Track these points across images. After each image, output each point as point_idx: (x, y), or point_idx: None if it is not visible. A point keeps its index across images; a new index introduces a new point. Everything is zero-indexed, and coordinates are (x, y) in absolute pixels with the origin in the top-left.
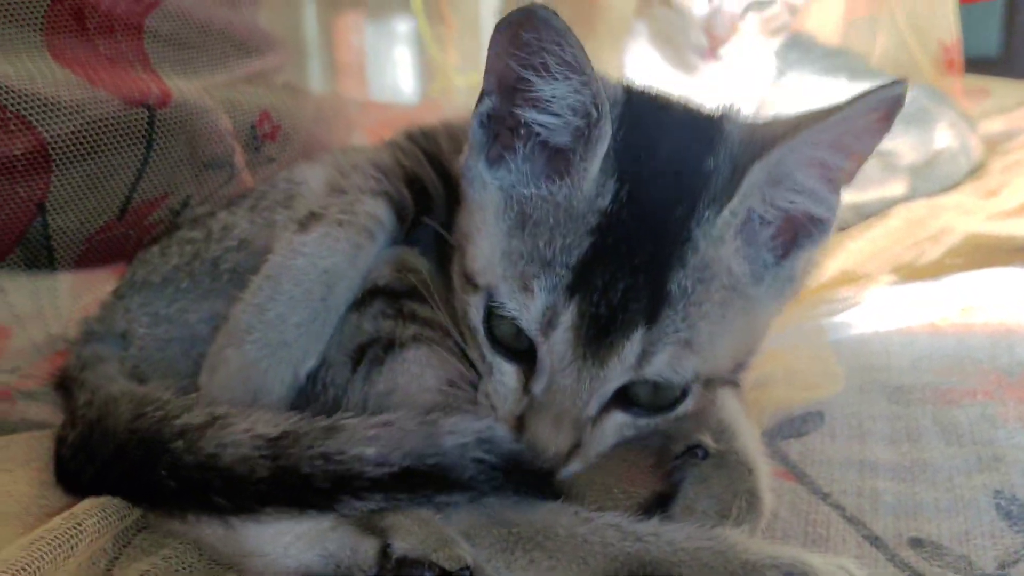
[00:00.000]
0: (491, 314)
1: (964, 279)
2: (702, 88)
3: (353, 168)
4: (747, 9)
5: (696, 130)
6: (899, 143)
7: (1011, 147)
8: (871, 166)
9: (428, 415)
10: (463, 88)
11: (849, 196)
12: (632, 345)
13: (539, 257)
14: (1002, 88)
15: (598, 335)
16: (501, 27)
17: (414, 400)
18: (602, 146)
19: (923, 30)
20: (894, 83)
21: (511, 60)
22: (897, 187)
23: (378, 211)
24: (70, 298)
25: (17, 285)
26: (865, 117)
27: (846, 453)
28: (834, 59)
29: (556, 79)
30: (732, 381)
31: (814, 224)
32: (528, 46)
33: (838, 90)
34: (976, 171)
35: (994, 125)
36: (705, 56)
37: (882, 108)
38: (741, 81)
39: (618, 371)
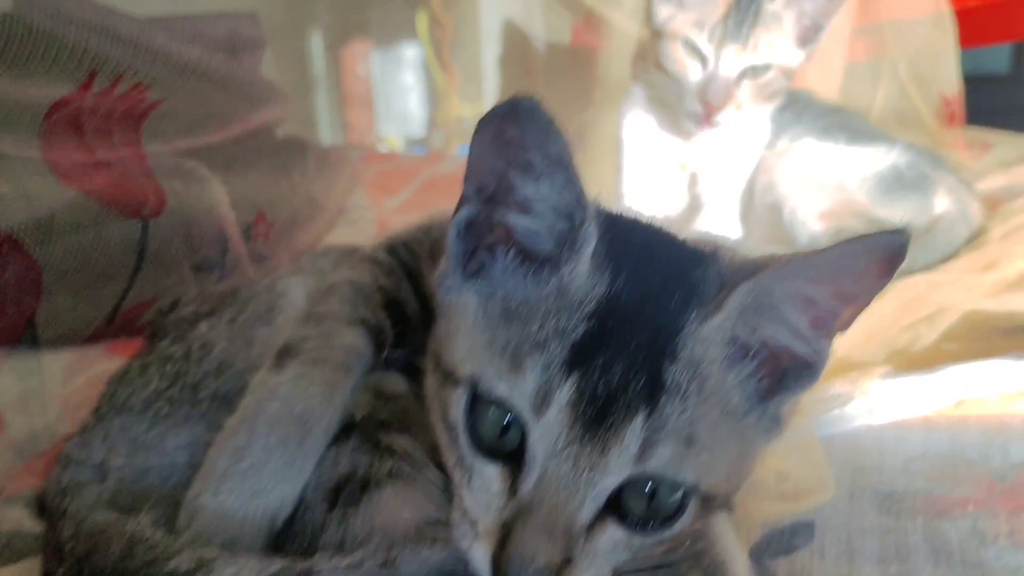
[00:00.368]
0: (473, 410)
1: (959, 371)
2: (698, 153)
3: (331, 289)
4: (742, 76)
5: (683, 248)
6: (897, 210)
7: (1012, 208)
8: None
9: (390, 553)
10: (470, 116)
11: None
12: (634, 432)
13: (531, 339)
14: (1004, 141)
15: (597, 418)
16: (484, 124)
17: (392, 539)
18: (589, 246)
19: (924, 81)
20: (896, 232)
21: (495, 160)
22: None
23: (356, 342)
24: (60, 382)
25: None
26: (862, 260)
27: (835, 573)
28: (832, 117)
29: (541, 177)
30: (726, 506)
31: (800, 367)
32: (512, 143)
33: (835, 155)
34: (976, 237)
35: (995, 181)
36: (701, 123)
37: (881, 255)
38: (737, 147)
39: (620, 461)
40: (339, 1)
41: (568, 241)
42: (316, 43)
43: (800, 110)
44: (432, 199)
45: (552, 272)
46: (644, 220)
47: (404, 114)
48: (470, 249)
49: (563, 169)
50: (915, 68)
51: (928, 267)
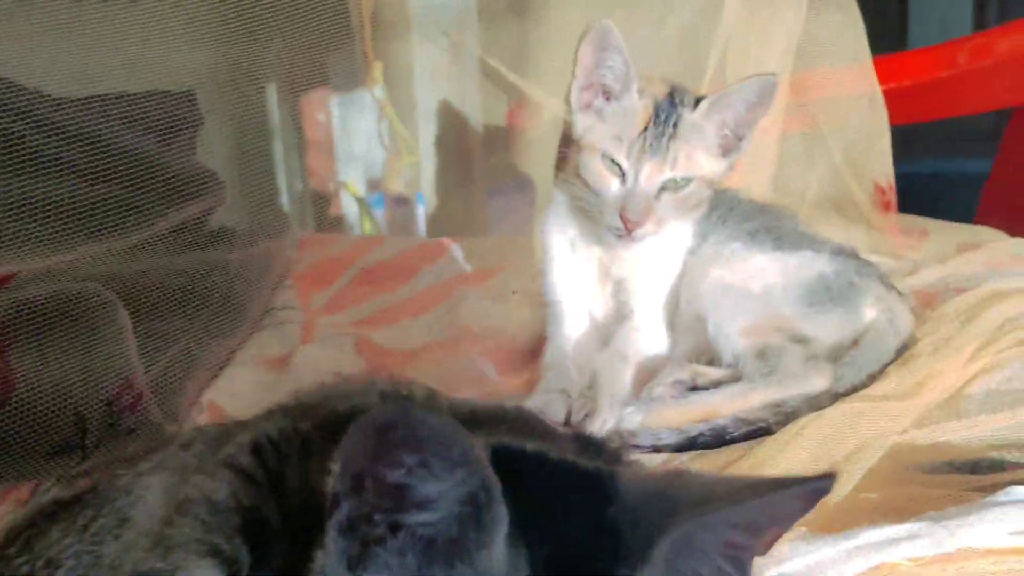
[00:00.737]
0: None
1: (876, 536)
2: (622, 261)
3: (185, 507)
4: (662, 191)
5: (586, 478)
6: (821, 326)
7: (944, 313)
8: (792, 357)
9: None
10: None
11: (768, 394)
12: None
13: None
14: (939, 228)
15: None
16: (362, 426)
17: None
18: (500, 527)
19: (858, 166)
20: (826, 478)
21: (381, 467)
22: (819, 381)
23: None
24: None
25: None
26: (787, 503)
27: None
28: (759, 219)
29: (438, 478)
30: None
31: None
32: (399, 447)
33: (761, 263)
34: (907, 348)
35: (932, 274)
36: (622, 237)
37: (808, 500)
38: (660, 255)
39: None
40: (295, 51)
41: (475, 522)
42: (270, 94)
43: (726, 212)
44: (364, 292)
45: (463, 557)
46: (547, 452)
47: (368, 159)
48: (355, 546)
49: (464, 463)
50: (849, 152)
51: (855, 387)
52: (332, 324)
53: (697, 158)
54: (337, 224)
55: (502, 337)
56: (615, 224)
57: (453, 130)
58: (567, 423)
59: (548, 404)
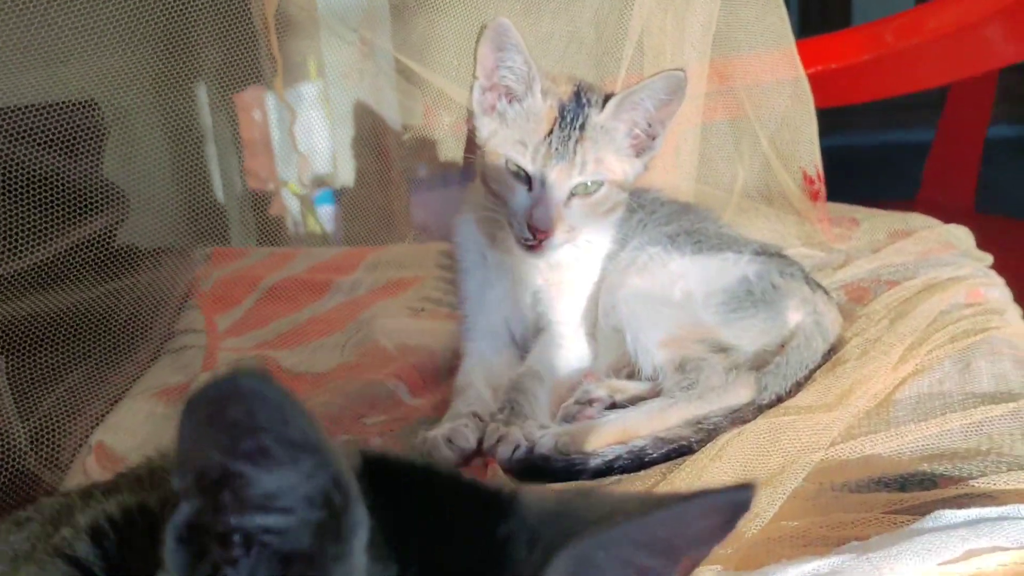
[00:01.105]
0: None
1: (796, 572)
2: (537, 271)
3: None
4: (571, 196)
5: (479, 496)
6: (743, 333)
7: (874, 311)
8: (713, 369)
9: None
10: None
11: (689, 410)
12: None
13: None
14: (870, 218)
15: None
16: (195, 404)
17: None
18: (361, 534)
19: (786, 156)
20: (743, 488)
21: (212, 450)
22: (742, 393)
23: None
24: None
25: None
26: (703, 521)
27: None
28: (680, 221)
29: (282, 466)
30: None
31: None
32: (236, 427)
33: (680, 268)
34: (834, 352)
35: (860, 268)
36: (533, 248)
37: (725, 515)
38: (576, 263)
39: None
40: (225, 47)
41: (331, 531)
42: (200, 94)
43: (646, 216)
44: (272, 311)
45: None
46: (422, 463)
47: (309, 154)
48: (196, 556)
49: (310, 451)
50: (775, 141)
51: (779, 397)
52: (237, 348)
53: (607, 160)
54: (280, 225)
55: (417, 355)
56: (524, 235)
57: (369, 131)
58: (479, 450)
59: (456, 431)
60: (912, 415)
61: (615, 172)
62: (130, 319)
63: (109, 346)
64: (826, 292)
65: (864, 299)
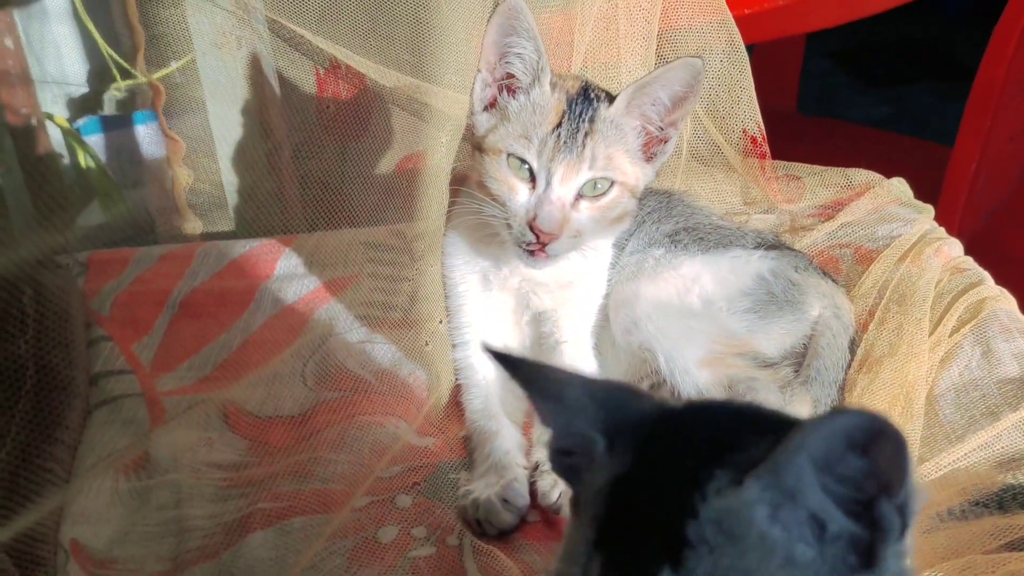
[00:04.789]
0: None
1: None
2: (538, 287)
3: None
4: (579, 198)
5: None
6: (774, 337)
7: (867, 292)
8: (767, 389)
9: None
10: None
11: None
12: None
13: None
14: (811, 175)
15: None
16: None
17: None
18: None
19: (724, 120)
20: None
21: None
22: (802, 411)
23: None
24: None
25: None
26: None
27: None
28: (674, 217)
29: None
30: None
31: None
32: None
33: (692, 272)
34: (855, 342)
35: (821, 233)
36: (535, 255)
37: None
38: (579, 275)
39: None
40: None
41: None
42: None
43: (643, 215)
44: (193, 332)
45: None
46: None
47: (64, 75)
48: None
49: None
50: (713, 104)
51: (833, 407)
52: (179, 390)
53: (617, 158)
54: (51, 163)
55: (405, 384)
56: (525, 238)
57: (249, 105)
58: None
59: (510, 489)
60: (957, 412)
61: (626, 174)
62: (40, 371)
63: (29, 414)
64: (833, 279)
65: (835, 270)
